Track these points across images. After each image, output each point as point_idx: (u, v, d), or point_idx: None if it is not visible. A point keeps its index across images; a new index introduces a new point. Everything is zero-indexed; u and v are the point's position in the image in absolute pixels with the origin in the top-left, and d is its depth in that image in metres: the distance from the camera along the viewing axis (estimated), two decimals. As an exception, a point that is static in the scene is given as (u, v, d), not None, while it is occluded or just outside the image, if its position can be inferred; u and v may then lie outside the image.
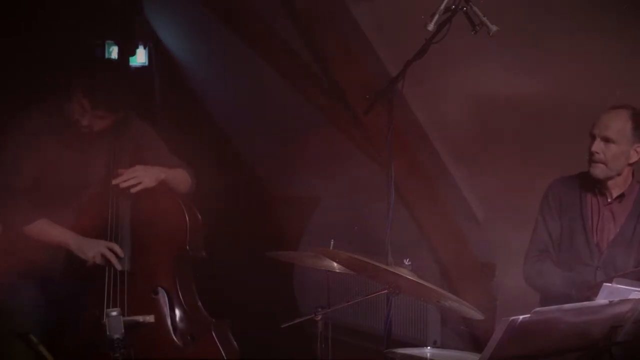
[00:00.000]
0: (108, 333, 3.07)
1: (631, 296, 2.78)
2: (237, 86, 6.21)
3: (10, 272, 3.75)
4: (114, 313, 3.09)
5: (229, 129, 6.76)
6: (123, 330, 3.08)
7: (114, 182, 3.81)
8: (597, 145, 3.58)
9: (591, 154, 3.60)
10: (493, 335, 2.50)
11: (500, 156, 4.76)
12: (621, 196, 3.66)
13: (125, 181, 3.81)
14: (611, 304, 2.67)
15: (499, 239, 5.05)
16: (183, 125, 5.52)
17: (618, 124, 3.56)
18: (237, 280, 5.76)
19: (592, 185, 3.69)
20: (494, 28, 3.51)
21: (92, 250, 3.75)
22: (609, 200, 3.67)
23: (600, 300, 2.91)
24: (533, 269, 3.74)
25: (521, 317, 2.48)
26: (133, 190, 3.82)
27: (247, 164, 6.81)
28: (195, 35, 6.31)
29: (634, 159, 3.60)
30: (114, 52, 6.00)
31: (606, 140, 3.56)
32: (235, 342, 3.87)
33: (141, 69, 5.70)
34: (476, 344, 5.22)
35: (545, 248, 3.75)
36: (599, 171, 3.60)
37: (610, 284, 3.01)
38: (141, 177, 3.84)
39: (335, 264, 3.71)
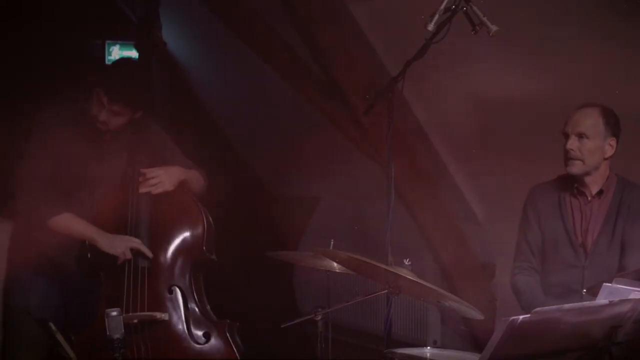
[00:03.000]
0: (108, 333, 3.07)
1: (631, 296, 2.78)
2: (237, 86, 6.21)
3: (26, 265, 3.80)
4: (114, 313, 3.09)
5: (229, 129, 6.76)
6: (123, 330, 3.08)
7: (141, 190, 3.83)
8: (572, 143, 3.62)
9: (566, 151, 3.64)
10: (493, 335, 2.50)
11: (500, 156, 4.75)
12: (600, 192, 3.68)
13: (147, 186, 3.83)
14: (611, 304, 2.68)
15: (499, 239, 5.04)
16: (183, 125, 5.52)
17: (590, 120, 3.61)
18: (237, 280, 5.76)
19: (571, 185, 3.71)
20: (494, 28, 3.52)
21: (122, 245, 3.76)
22: (589, 198, 3.69)
23: (600, 300, 2.90)
24: (513, 280, 3.79)
25: (521, 317, 2.48)
26: (154, 191, 3.84)
27: (247, 164, 6.81)
28: (195, 35, 6.30)
29: (609, 153, 3.64)
30: (114, 52, 6.02)
31: (580, 136, 3.61)
32: (240, 343, 3.88)
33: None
34: (476, 344, 5.21)
35: (526, 259, 3.78)
36: (576, 168, 3.64)
37: (610, 284, 3.01)
38: (163, 178, 3.87)
39: (335, 264, 3.72)
